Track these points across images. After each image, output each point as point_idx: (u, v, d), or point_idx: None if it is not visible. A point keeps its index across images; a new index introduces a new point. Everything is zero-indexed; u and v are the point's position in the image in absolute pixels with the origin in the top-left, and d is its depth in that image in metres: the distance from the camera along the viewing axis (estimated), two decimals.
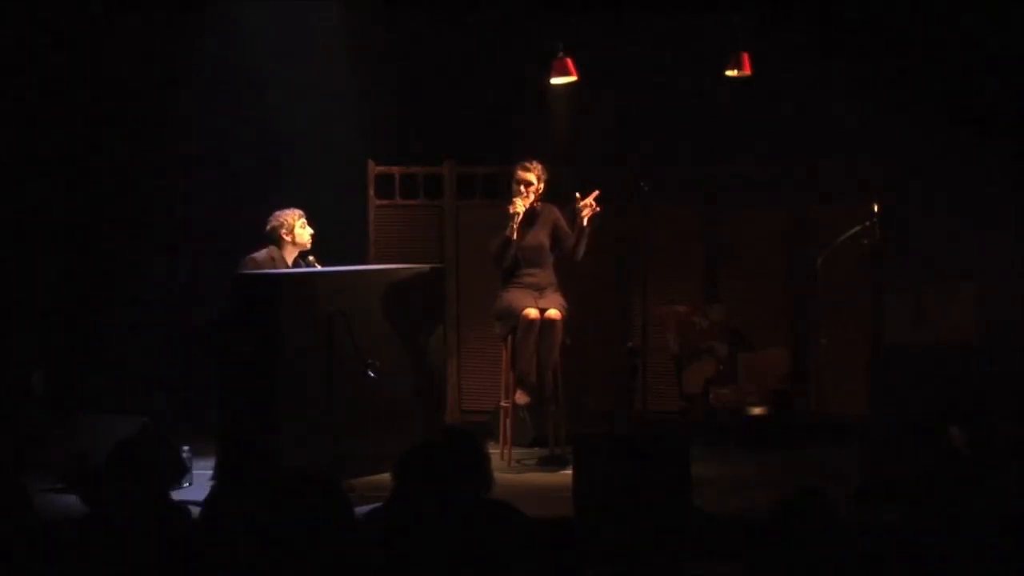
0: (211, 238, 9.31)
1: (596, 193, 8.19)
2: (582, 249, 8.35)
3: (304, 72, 9.61)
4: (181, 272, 9.64)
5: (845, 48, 9.25)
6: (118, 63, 9.57)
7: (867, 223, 8.08)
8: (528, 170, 8.41)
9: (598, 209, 8.18)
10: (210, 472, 7.69)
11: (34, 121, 9.51)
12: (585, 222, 8.21)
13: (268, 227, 8.44)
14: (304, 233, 8.43)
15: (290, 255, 8.42)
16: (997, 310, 8.82)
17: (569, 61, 8.96)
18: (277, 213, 8.46)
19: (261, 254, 8.41)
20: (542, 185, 8.44)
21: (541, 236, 8.46)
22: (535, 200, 8.45)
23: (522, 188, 8.40)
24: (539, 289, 8.43)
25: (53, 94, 9.52)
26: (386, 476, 4.68)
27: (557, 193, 8.81)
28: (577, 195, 8.22)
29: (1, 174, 9.53)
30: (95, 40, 9.50)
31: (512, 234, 8.32)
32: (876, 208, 8.05)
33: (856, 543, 3.83)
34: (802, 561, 3.74)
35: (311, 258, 8.44)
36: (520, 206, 8.32)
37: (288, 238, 8.42)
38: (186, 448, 7.66)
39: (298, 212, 8.46)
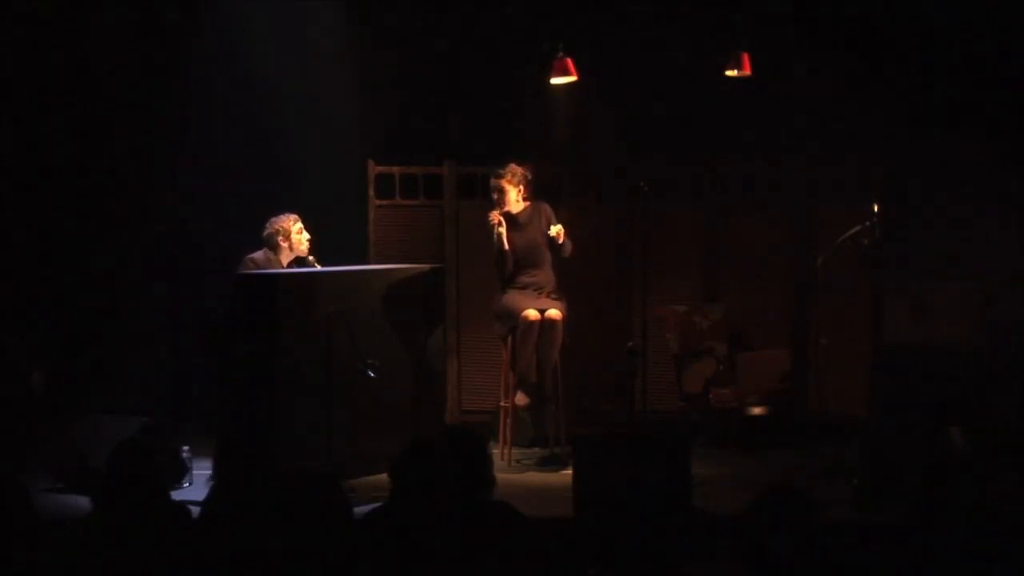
0: (211, 238, 9.30)
1: (560, 228, 8.29)
2: (567, 248, 8.43)
3: (304, 72, 9.61)
4: (181, 272, 9.63)
5: (845, 48, 9.25)
6: (117, 63, 9.57)
7: (867, 223, 8.06)
8: (500, 177, 8.46)
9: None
10: (210, 472, 7.69)
11: (33, 122, 9.51)
12: (560, 239, 8.31)
13: (265, 232, 8.42)
14: (302, 239, 8.39)
15: (285, 259, 8.40)
16: (997, 310, 8.81)
17: (569, 61, 8.95)
18: (273, 219, 8.42)
19: (259, 255, 8.39)
20: (521, 187, 8.46)
21: (536, 236, 8.47)
22: (526, 197, 8.47)
23: (495, 196, 8.46)
24: (538, 289, 8.44)
25: (52, 94, 9.51)
26: (386, 476, 4.67)
27: (557, 194, 8.80)
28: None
29: (1, 175, 9.53)
30: (94, 41, 9.49)
31: (503, 245, 8.35)
32: (876, 208, 8.04)
33: (837, 541, 3.84)
34: (780, 557, 3.75)
35: (311, 258, 8.43)
36: (496, 216, 8.36)
37: (285, 244, 8.39)
38: (186, 448, 7.67)
39: (294, 217, 8.41)
